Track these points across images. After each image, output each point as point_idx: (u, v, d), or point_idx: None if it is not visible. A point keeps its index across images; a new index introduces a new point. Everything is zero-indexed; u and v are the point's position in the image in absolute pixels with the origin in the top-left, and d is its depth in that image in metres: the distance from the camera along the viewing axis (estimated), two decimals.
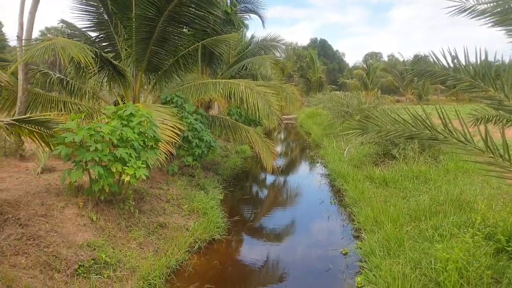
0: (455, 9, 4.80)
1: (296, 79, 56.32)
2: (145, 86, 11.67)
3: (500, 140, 3.67)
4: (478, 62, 4.30)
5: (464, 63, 4.42)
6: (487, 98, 4.48)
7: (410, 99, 54.26)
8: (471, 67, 4.36)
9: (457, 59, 4.50)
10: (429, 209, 7.41)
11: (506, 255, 5.29)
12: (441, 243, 5.66)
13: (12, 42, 51.99)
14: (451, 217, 6.68)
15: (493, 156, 3.59)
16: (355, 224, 8.25)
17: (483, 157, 3.70)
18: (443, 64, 4.74)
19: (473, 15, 4.52)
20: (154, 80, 11.22)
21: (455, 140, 3.69)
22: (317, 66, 55.54)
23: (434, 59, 4.83)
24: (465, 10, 4.66)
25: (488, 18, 4.34)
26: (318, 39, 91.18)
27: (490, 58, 4.54)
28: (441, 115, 3.77)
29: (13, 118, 6.31)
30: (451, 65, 4.66)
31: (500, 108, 4.61)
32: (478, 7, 4.53)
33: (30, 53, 7.13)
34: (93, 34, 11.32)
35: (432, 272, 5.19)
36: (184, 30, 10.52)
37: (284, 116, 27.48)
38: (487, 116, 6.36)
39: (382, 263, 5.79)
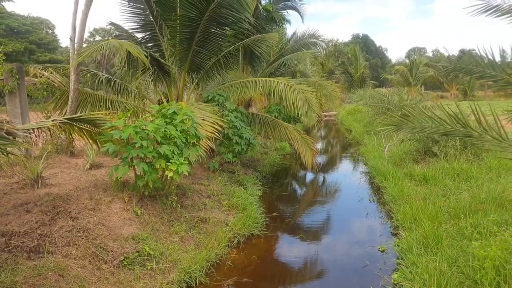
0: (480, 8, 4.68)
1: (338, 75, 55.54)
2: (188, 85, 12.01)
3: None
4: None
5: (500, 60, 4.35)
6: None
7: (455, 95, 52.10)
8: (506, 65, 4.29)
9: (492, 55, 4.44)
10: (469, 207, 7.26)
11: None
12: (479, 241, 5.58)
13: (64, 42, 54.63)
14: (492, 215, 6.54)
15: None
16: (393, 222, 8.21)
17: None
18: (487, 60, 4.65)
19: (497, 14, 4.43)
20: (197, 79, 11.53)
21: (490, 137, 3.68)
22: (360, 62, 54.53)
23: (477, 54, 4.76)
24: (489, 9, 4.56)
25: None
26: (360, 34, 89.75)
27: None
28: (475, 112, 3.77)
29: (66, 117, 6.72)
30: (490, 61, 4.59)
31: None
32: (503, 6, 4.43)
33: (83, 55, 7.59)
34: (139, 35, 11.80)
35: (469, 270, 5.15)
36: (225, 30, 10.76)
37: (324, 113, 27.36)
38: None
39: (418, 260, 5.77)
